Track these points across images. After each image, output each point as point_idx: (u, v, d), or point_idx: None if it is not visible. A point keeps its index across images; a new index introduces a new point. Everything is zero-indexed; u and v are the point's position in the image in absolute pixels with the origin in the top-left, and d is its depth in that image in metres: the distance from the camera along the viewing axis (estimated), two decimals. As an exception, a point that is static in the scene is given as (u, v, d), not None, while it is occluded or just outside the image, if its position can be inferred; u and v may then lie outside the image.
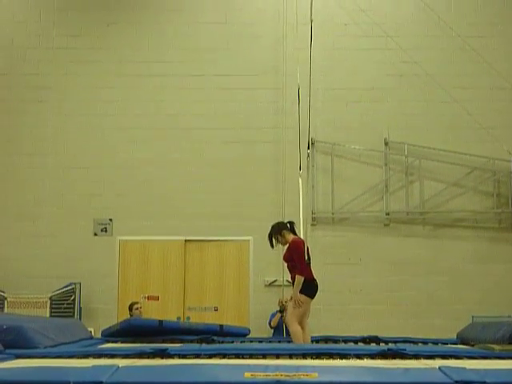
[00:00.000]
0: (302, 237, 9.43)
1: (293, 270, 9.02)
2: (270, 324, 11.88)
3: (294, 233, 9.24)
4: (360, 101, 13.21)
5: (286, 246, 9.24)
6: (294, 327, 8.92)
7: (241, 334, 9.95)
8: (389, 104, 13.19)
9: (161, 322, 9.41)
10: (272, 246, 9.26)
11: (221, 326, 9.78)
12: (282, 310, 11.51)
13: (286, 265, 9.34)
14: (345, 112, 13.18)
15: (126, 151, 13.10)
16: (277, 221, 9.59)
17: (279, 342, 9.71)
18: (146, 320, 10.45)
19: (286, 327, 11.29)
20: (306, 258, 8.87)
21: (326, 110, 12.98)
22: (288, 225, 9.25)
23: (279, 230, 9.19)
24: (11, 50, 13.42)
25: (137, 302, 11.79)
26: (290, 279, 9.39)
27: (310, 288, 8.94)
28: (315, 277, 9.05)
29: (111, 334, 9.36)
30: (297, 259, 8.89)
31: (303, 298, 8.92)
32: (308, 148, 11.36)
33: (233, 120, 13.17)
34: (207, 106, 13.20)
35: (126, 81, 13.28)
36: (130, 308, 11.64)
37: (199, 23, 13.44)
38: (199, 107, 13.18)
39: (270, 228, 9.29)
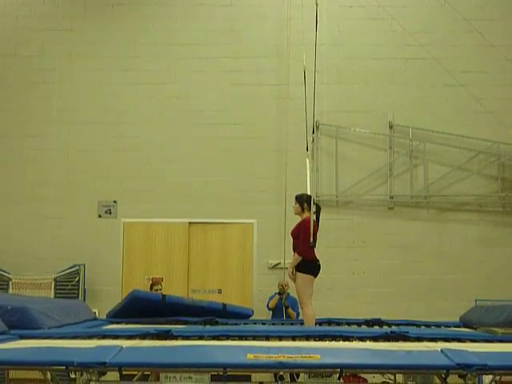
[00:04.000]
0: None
1: (295, 248, 9.13)
2: (267, 306, 11.88)
3: (311, 213, 9.28)
4: (365, 84, 13.17)
5: (297, 222, 9.39)
6: (310, 310, 8.99)
7: (244, 315, 9.98)
8: (393, 87, 13.15)
9: (164, 296, 9.44)
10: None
11: (224, 305, 9.82)
12: (282, 293, 11.55)
13: (291, 244, 9.44)
14: (349, 95, 13.14)
15: (131, 133, 13.08)
16: (300, 193, 9.73)
17: (282, 324, 9.76)
18: (149, 294, 10.51)
19: (284, 309, 11.35)
20: (312, 240, 8.97)
21: (331, 93, 12.92)
22: (315, 206, 9.37)
23: (302, 201, 9.43)
24: (16, 31, 13.38)
25: (157, 283, 11.81)
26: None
27: (312, 267, 9.05)
28: (318, 258, 9.13)
29: (116, 312, 9.42)
30: (302, 238, 9.00)
31: (307, 277, 8.99)
32: (313, 132, 11.38)
33: (237, 102, 13.14)
34: (211, 89, 13.17)
35: (132, 62, 13.24)
36: (151, 288, 11.67)
37: (204, 5, 13.38)
38: (203, 89, 13.16)
39: (301, 193, 9.68)
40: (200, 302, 9.85)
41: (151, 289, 11.61)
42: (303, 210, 9.37)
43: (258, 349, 5.53)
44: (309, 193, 10.03)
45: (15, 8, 13.44)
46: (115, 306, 9.78)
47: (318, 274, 9.15)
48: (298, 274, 9.03)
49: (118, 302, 10.02)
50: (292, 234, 9.42)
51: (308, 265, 9.02)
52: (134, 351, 5.60)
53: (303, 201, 9.42)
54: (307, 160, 10.85)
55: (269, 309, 11.83)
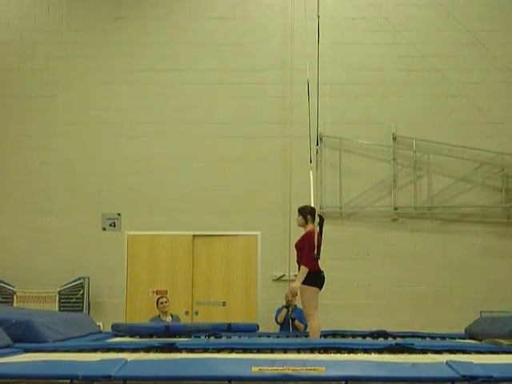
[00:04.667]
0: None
1: (300, 260, 9.11)
2: (276, 320, 11.87)
3: (315, 225, 9.31)
4: (368, 96, 13.18)
5: (302, 234, 9.42)
6: (315, 323, 8.97)
7: (249, 331, 9.94)
8: (397, 99, 13.16)
9: (167, 327, 9.41)
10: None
11: (229, 324, 9.76)
12: (288, 306, 11.52)
13: (295, 255, 9.41)
14: (353, 107, 13.16)
15: (135, 146, 13.11)
16: (304, 205, 9.74)
17: (287, 336, 9.74)
18: (151, 325, 10.48)
19: (292, 322, 11.32)
20: (316, 252, 8.96)
21: (334, 105, 12.96)
22: (318, 217, 9.39)
23: (305, 213, 9.46)
24: (20, 45, 13.44)
25: (162, 297, 11.85)
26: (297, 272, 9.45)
27: (317, 279, 9.03)
28: (322, 269, 9.12)
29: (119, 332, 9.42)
30: (306, 250, 9.00)
31: (312, 289, 8.98)
32: (317, 144, 11.38)
33: (240, 115, 13.17)
34: (215, 101, 13.20)
35: (134, 75, 13.28)
36: (157, 303, 11.72)
37: (207, 18, 13.44)
38: (207, 102, 13.19)
39: (304, 205, 9.67)
40: (204, 326, 9.78)
41: (157, 304, 11.66)
42: (307, 222, 9.39)
43: (263, 361, 5.52)
44: (313, 205, 10.03)
45: (19, 22, 13.50)
46: (120, 324, 9.74)
47: (322, 285, 9.15)
48: (303, 286, 9.01)
49: (123, 324, 9.99)
50: (296, 246, 9.41)
51: (313, 277, 9.01)
52: (138, 364, 5.60)
53: (306, 213, 9.44)
54: (311, 172, 10.87)
55: (277, 323, 11.81)
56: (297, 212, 9.66)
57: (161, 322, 10.79)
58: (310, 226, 9.33)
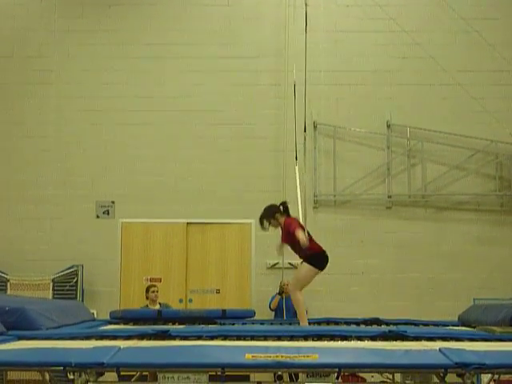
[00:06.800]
0: (301, 219, 9.30)
1: (299, 251, 8.77)
2: (270, 306, 11.90)
3: (288, 214, 9.01)
4: (363, 83, 13.16)
5: (282, 230, 9.01)
6: (298, 295, 8.79)
7: (245, 317, 9.90)
8: (391, 87, 13.15)
9: (159, 312, 9.38)
10: (263, 228, 9.06)
11: (223, 310, 9.69)
12: (282, 292, 11.53)
13: (289, 247, 9.22)
14: (347, 95, 13.14)
15: (128, 134, 13.09)
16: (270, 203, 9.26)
17: (281, 323, 9.74)
18: (144, 311, 10.47)
19: (285, 309, 11.31)
20: (305, 233, 8.72)
21: (329, 93, 12.94)
22: (281, 207, 9.02)
23: (272, 214, 8.97)
24: (13, 32, 13.37)
25: (154, 285, 11.82)
26: (292, 261, 9.29)
27: (320, 260, 8.77)
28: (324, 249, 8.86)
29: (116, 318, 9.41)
30: (296, 236, 8.56)
31: (312, 270, 8.73)
32: (304, 131, 11.37)
33: (234, 102, 13.14)
34: (209, 89, 13.16)
35: (128, 63, 13.24)
36: (147, 290, 11.69)
37: (202, 5, 13.39)
38: (201, 89, 13.15)
39: (262, 210, 9.08)
40: (198, 312, 9.72)
41: (147, 291, 11.63)
42: (277, 218, 9.03)
43: (257, 348, 5.51)
44: (299, 196, 9.87)
45: (12, 9, 13.43)
46: (115, 310, 9.72)
47: (325, 266, 8.78)
48: (306, 264, 8.76)
49: (117, 310, 9.96)
50: (285, 241, 8.99)
51: (317, 257, 8.73)
52: (131, 351, 5.59)
53: (272, 214, 9.00)
54: (296, 168, 10.82)
55: (271, 309, 11.83)
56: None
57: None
58: (282, 219, 9.03)
